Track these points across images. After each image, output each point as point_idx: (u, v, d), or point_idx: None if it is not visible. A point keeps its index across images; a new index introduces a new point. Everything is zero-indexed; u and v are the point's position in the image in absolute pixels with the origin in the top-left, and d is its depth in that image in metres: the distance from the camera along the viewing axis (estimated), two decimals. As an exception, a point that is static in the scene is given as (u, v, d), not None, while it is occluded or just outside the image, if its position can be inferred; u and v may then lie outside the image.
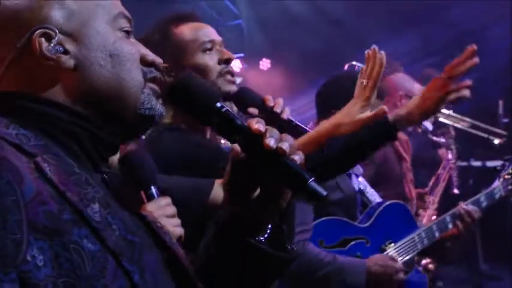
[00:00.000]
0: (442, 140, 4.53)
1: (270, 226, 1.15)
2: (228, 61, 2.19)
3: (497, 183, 3.49)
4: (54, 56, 1.04)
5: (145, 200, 1.76)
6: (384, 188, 3.66)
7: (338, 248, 2.88)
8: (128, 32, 1.13)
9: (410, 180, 3.99)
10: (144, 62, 1.13)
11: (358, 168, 3.05)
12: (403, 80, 4.00)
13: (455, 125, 4.69)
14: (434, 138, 4.54)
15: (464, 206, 3.31)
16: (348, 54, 6.11)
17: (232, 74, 2.21)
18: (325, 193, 0.99)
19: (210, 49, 2.19)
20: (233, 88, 2.17)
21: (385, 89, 3.47)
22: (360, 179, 3.11)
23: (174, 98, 1.12)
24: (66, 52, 1.05)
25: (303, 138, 2.05)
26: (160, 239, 1.14)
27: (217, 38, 2.24)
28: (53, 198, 0.91)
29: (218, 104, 1.08)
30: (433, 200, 4.28)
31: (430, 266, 3.89)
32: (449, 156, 4.51)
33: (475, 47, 2.03)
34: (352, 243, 2.93)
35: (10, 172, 0.88)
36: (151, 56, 1.15)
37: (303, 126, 2.21)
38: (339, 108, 2.68)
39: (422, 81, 4.85)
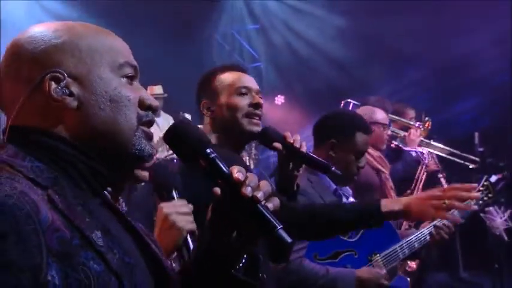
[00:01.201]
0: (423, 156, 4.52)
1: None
2: (256, 105, 2.17)
3: None
4: (60, 98, 1.03)
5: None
6: (367, 197, 3.68)
7: (330, 260, 2.86)
8: (131, 78, 1.11)
9: (391, 187, 3.99)
10: (142, 105, 1.10)
11: (348, 190, 3.06)
12: (367, 110, 3.98)
13: (436, 152, 4.73)
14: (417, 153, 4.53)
15: None
16: (349, 92, 6.21)
17: (258, 116, 2.18)
18: (290, 240, 0.96)
19: (245, 94, 2.18)
20: (256, 128, 2.17)
21: None
22: (351, 199, 3.12)
23: (166, 142, 1.10)
24: (71, 94, 1.04)
25: None
26: (152, 254, 1.14)
27: (254, 86, 2.22)
28: (64, 226, 0.92)
29: (208, 150, 1.05)
30: None
31: (414, 266, 3.89)
32: (426, 161, 4.49)
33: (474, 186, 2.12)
34: (343, 255, 2.91)
35: (28, 204, 0.89)
36: (148, 100, 1.12)
37: (317, 157, 2.30)
38: (333, 140, 2.77)
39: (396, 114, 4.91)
